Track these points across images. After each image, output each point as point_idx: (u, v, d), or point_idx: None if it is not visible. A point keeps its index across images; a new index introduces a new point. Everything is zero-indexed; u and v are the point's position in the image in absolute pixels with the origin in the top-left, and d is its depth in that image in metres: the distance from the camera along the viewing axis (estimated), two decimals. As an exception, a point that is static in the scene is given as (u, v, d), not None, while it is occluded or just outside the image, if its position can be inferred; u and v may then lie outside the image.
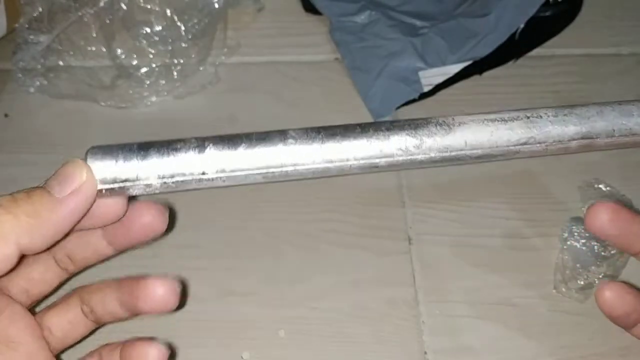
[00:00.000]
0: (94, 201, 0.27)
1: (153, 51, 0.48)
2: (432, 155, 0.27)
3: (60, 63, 0.48)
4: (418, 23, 0.51)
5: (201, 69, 0.49)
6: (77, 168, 0.26)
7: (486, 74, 0.49)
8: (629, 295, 0.28)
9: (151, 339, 0.29)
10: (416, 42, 0.49)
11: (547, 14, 0.50)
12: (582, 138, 0.28)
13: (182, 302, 0.31)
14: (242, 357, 0.37)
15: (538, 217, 0.42)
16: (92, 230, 0.29)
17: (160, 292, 0.29)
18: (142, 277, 0.29)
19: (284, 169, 0.27)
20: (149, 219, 0.29)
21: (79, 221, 0.26)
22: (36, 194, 0.26)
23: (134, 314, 0.30)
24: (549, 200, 0.42)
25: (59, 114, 0.48)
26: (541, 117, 0.29)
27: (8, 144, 0.46)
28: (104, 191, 0.27)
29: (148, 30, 0.47)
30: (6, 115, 0.48)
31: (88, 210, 0.27)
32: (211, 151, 0.28)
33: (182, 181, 0.28)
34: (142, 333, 0.37)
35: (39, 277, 0.30)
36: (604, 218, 0.28)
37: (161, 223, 0.30)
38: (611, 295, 0.28)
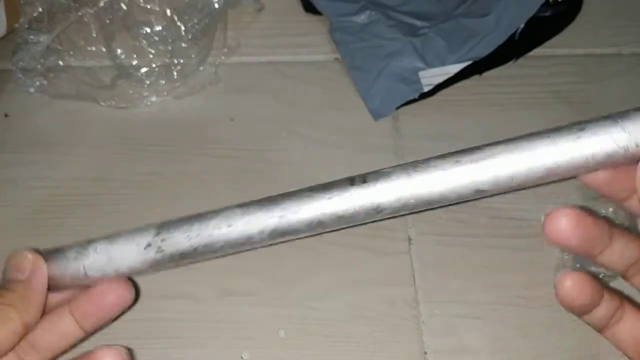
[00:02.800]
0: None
1: (153, 51, 0.48)
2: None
3: (60, 63, 0.48)
4: (418, 23, 0.50)
5: (201, 69, 0.49)
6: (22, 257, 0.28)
7: (486, 74, 0.49)
8: (589, 283, 0.26)
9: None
10: (416, 42, 0.49)
11: (547, 13, 0.50)
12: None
13: None
14: (242, 357, 0.37)
15: (538, 217, 0.42)
16: (61, 312, 0.30)
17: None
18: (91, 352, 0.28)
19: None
20: (113, 298, 0.29)
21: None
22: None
23: None
24: (549, 200, 0.42)
25: (59, 114, 0.48)
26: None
27: (8, 144, 0.46)
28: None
29: (148, 30, 0.47)
30: (6, 115, 0.48)
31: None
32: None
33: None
34: (141, 334, 0.38)
35: None
36: (564, 226, 0.25)
37: (128, 298, 0.30)
38: (572, 284, 0.26)
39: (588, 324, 0.28)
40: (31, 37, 0.47)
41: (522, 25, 0.49)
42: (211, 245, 0.27)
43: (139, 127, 0.47)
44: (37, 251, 0.28)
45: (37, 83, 0.48)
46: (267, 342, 0.37)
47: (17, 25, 0.47)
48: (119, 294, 0.29)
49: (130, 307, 0.31)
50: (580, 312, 0.27)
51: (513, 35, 0.49)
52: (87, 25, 0.48)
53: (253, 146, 0.46)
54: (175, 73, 0.48)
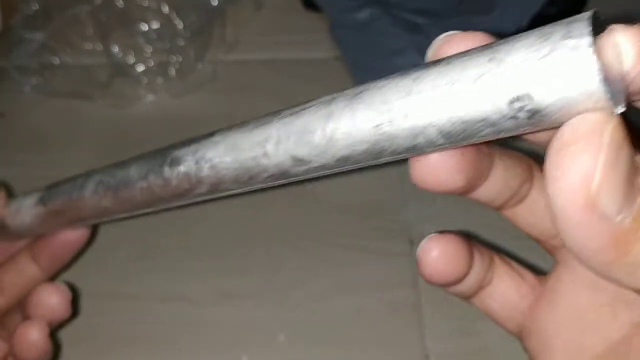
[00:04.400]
0: None
1: (150, 49, 0.47)
2: None
3: (56, 61, 0.48)
4: (420, 20, 0.50)
5: (199, 67, 0.48)
6: None
7: (489, 72, 0.49)
8: (460, 248, 0.22)
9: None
10: (418, 40, 0.49)
11: (551, 11, 0.50)
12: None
13: (74, 310, 0.32)
14: (240, 361, 0.36)
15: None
16: (20, 254, 0.32)
17: (53, 300, 0.29)
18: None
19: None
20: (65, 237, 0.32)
21: None
22: None
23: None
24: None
25: (54, 112, 0.47)
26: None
27: (3, 143, 0.46)
28: None
29: (145, 27, 0.47)
30: (1, 114, 0.47)
31: None
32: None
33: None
34: (140, 337, 0.37)
35: None
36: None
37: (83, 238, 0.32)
38: (439, 254, 0.21)
39: (452, 293, 0.23)
40: (26, 34, 0.47)
41: (525, 23, 0.48)
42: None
43: (136, 126, 0.46)
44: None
45: (33, 81, 0.47)
46: (266, 346, 0.37)
47: (12, 22, 0.47)
48: (73, 235, 0.31)
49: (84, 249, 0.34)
50: (449, 285, 0.22)
51: (516, 33, 0.48)
52: (83, 23, 0.48)
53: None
54: (172, 71, 0.47)
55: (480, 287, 0.23)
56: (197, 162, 0.22)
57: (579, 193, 0.14)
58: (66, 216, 0.29)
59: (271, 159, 0.19)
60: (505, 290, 0.23)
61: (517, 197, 0.22)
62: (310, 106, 0.19)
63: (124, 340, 0.37)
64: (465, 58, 0.16)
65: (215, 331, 0.37)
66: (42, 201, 0.30)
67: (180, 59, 0.48)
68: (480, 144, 0.18)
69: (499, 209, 0.22)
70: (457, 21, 0.49)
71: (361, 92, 0.18)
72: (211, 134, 0.22)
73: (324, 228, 0.41)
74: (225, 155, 0.21)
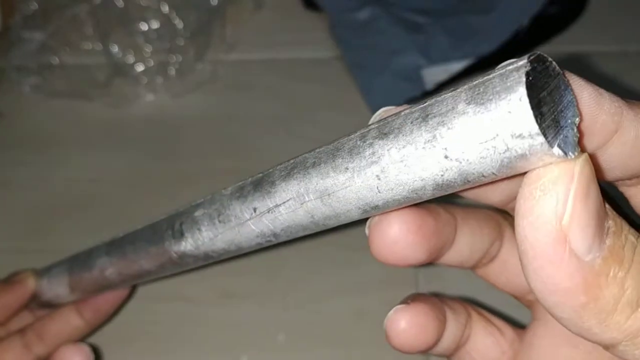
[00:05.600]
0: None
1: (150, 49, 0.47)
2: None
3: (55, 61, 0.48)
4: (420, 20, 0.50)
5: (199, 66, 0.48)
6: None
7: (489, 71, 0.49)
8: (430, 316, 0.20)
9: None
10: (419, 39, 0.48)
11: (552, 11, 0.49)
12: None
13: None
14: (240, 361, 0.36)
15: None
16: (67, 308, 0.33)
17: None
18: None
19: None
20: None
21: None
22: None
23: None
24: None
25: (54, 112, 0.47)
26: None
27: (2, 143, 0.46)
28: None
29: (144, 27, 0.47)
30: (0, 114, 0.47)
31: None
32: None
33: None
34: (141, 337, 0.37)
35: None
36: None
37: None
38: (408, 325, 0.20)
39: (429, 354, 0.22)
40: (26, 34, 0.46)
41: (526, 23, 0.48)
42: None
43: (135, 126, 0.46)
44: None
45: (32, 81, 0.47)
46: (266, 346, 0.36)
47: (11, 22, 0.47)
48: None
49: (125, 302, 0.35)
50: (421, 352, 0.21)
51: (517, 32, 0.48)
52: (83, 23, 0.48)
53: (251, 144, 0.45)
54: (172, 71, 0.47)
55: (458, 346, 0.22)
56: (196, 246, 0.23)
57: (551, 225, 0.13)
58: (90, 288, 0.31)
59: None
60: (484, 347, 0.22)
61: (487, 257, 0.21)
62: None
63: (124, 340, 0.36)
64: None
65: (216, 331, 0.37)
66: (69, 272, 0.32)
67: (180, 59, 0.47)
68: (440, 210, 0.18)
69: (469, 269, 0.22)
70: (457, 21, 0.49)
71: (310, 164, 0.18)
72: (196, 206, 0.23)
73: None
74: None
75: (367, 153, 0.16)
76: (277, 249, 0.40)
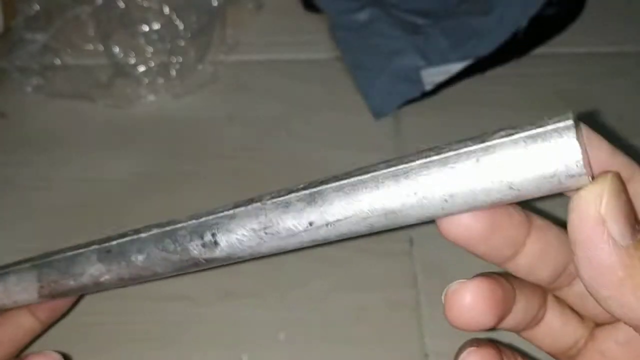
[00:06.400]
0: None
1: (151, 50, 0.47)
2: None
3: (57, 62, 0.48)
4: (420, 21, 0.50)
5: (200, 67, 0.48)
6: None
7: (488, 72, 0.49)
8: (499, 291, 0.21)
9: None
10: (418, 40, 0.49)
11: (550, 12, 0.50)
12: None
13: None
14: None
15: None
16: (18, 310, 0.31)
17: None
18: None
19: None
20: None
21: None
22: None
23: None
24: (552, 202, 0.42)
25: (55, 113, 0.47)
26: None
27: (4, 144, 0.46)
28: None
29: (146, 28, 0.47)
30: (2, 115, 0.47)
31: None
32: None
33: None
34: (141, 336, 0.37)
35: None
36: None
37: None
38: (473, 300, 0.20)
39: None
40: (28, 35, 0.47)
41: (524, 24, 0.49)
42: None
43: (137, 126, 0.46)
44: None
45: (34, 82, 0.47)
46: (267, 345, 0.37)
47: (13, 24, 0.47)
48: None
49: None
50: (485, 330, 0.21)
51: (516, 33, 0.48)
52: (84, 24, 0.48)
53: (252, 145, 0.45)
54: (173, 72, 0.47)
55: (527, 327, 0.23)
56: (232, 253, 0.24)
57: (592, 211, 0.17)
58: (72, 293, 0.30)
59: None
60: (557, 331, 0.24)
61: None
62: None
63: (124, 340, 0.36)
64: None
65: (216, 330, 0.37)
66: (38, 279, 0.29)
67: (181, 60, 0.48)
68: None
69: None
70: (455, 22, 0.49)
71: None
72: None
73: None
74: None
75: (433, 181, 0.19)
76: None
